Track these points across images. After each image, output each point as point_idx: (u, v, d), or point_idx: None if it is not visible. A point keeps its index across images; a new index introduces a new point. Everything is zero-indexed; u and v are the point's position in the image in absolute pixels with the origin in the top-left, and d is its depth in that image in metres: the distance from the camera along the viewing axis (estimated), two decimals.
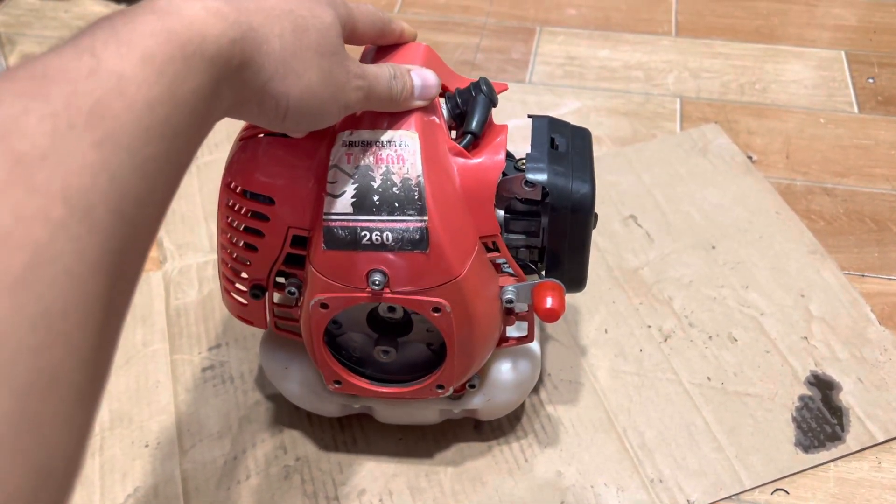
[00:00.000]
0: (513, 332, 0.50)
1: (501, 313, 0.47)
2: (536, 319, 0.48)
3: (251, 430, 0.57)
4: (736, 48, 0.93)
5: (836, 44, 0.93)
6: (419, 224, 0.41)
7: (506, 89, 0.47)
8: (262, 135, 0.44)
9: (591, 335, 0.62)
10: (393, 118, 0.41)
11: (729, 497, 0.53)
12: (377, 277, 0.41)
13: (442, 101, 0.45)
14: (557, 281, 0.46)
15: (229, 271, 0.48)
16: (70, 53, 0.25)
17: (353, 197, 0.41)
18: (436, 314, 0.43)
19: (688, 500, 0.52)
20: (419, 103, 0.41)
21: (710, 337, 0.62)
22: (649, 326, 0.62)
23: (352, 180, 0.41)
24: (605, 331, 0.62)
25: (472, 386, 0.50)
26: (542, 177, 0.44)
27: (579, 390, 0.58)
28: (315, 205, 0.42)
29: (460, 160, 0.43)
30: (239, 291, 0.48)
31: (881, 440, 0.55)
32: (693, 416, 0.57)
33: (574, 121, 0.82)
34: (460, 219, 0.43)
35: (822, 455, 0.54)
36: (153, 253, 0.70)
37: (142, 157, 0.24)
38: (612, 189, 0.74)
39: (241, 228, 0.45)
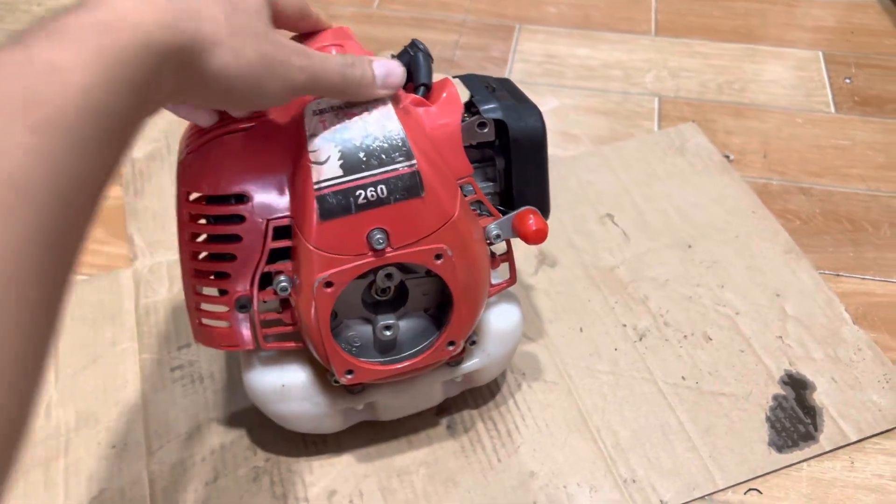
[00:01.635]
0: (495, 278, 0.50)
1: (489, 257, 0.48)
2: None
3: (220, 430, 0.56)
4: (715, 48, 0.93)
5: (814, 44, 0.93)
6: (410, 169, 0.41)
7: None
8: (212, 138, 0.42)
9: (566, 334, 0.62)
10: None
11: (702, 497, 0.52)
12: (378, 236, 0.41)
13: None
14: (530, 207, 0.47)
15: (204, 298, 0.46)
16: (4, 49, 0.26)
17: (339, 159, 0.40)
18: (438, 261, 0.43)
19: (661, 501, 0.52)
20: (382, 92, 0.41)
21: (686, 336, 0.61)
22: (624, 325, 0.62)
23: (333, 144, 0.40)
24: (580, 329, 0.62)
25: (473, 342, 0.50)
26: (496, 113, 0.45)
27: (553, 390, 0.58)
28: (293, 186, 0.42)
29: (422, 109, 0.44)
30: (219, 316, 0.46)
31: (854, 440, 0.55)
32: (667, 416, 0.56)
33: (552, 119, 0.83)
34: (440, 162, 0.43)
35: (796, 455, 0.54)
36: (123, 251, 0.69)
37: (79, 139, 0.25)
38: (590, 188, 0.74)
39: (213, 240, 0.43)
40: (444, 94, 0.45)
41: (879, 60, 0.91)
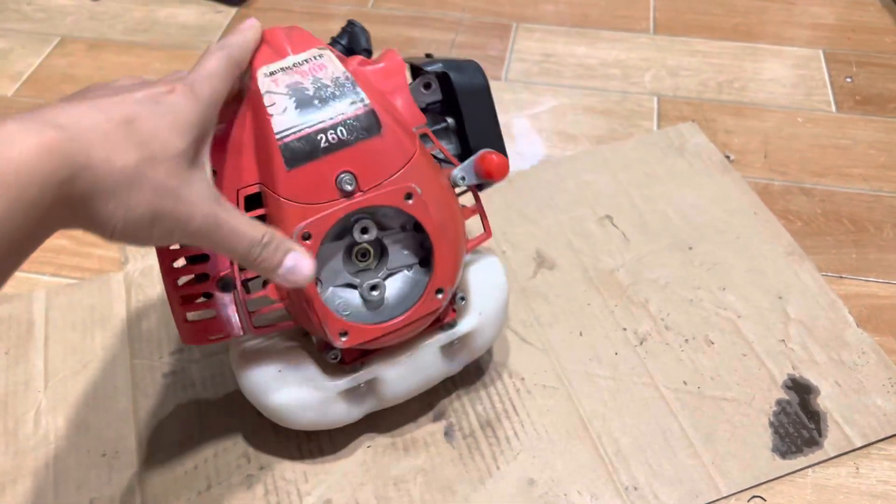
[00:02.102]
0: (469, 235, 0.51)
1: (459, 205, 0.49)
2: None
3: (213, 438, 0.55)
4: (714, 46, 0.92)
5: (815, 42, 0.93)
6: (364, 108, 0.43)
7: None
8: None
9: (566, 338, 0.61)
10: (296, 46, 0.43)
11: None
12: (346, 177, 0.43)
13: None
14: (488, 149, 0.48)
15: (185, 289, 0.46)
16: None
17: (296, 108, 0.42)
18: (409, 201, 0.44)
19: None
20: (278, 281, 0.40)
21: (687, 340, 0.60)
22: (625, 329, 0.61)
23: (288, 96, 0.42)
24: (580, 333, 0.61)
25: (463, 299, 0.51)
26: (438, 67, 0.48)
27: (553, 395, 0.57)
28: (256, 147, 0.43)
29: (368, 67, 0.47)
30: (200, 306, 0.46)
31: (859, 445, 0.54)
32: (669, 422, 0.55)
33: (550, 119, 0.82)
34: (393, 108, 0.46)
35: (800, 461, 0.53)
36: (114, 254, 0.67)
37: None
38: (588, 189, 0.73)
39: None
40: (387, 57, 0.48)
41: (881, 59, 0.90)
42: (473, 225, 0.52)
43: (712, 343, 0.60)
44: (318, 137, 0.42)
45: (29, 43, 0.92)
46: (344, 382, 0.49)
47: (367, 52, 0.50)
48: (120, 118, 0.33)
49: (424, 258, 0.48)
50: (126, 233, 0.34)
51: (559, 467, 0.53)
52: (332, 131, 0.42)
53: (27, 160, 0.29)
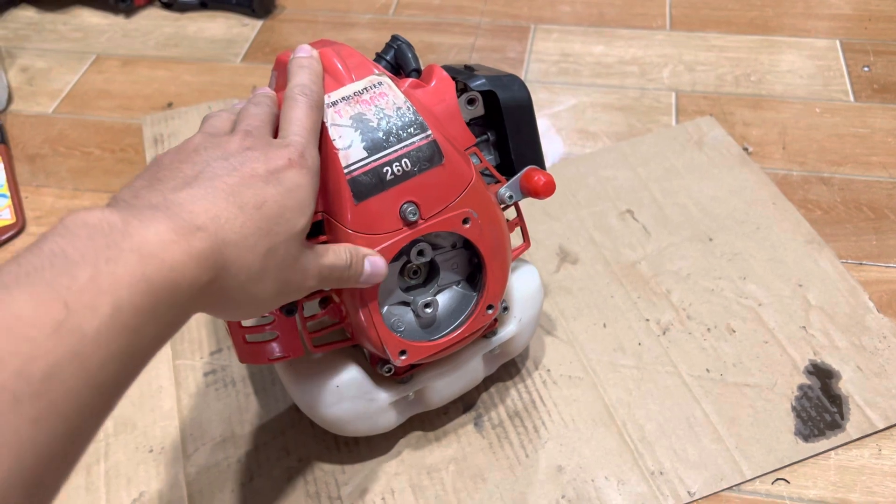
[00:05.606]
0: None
1: (505, 220, 0.50)
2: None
3: (253, 433, 0.57)
4: (731, 40, 0.93)
5: (831, 33, 0.93)
6: (427, 140, 0.44)
7: None
8: None
9: (590, 330, 0.62)
10: (352, 72, 0.44)
11: (730, 487, 0.53)
12: (410, 208, 0.43)
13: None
14: (532, 166, 0.50)
15: None
16: (43, 290, 0.25)
17: (362, 141, 0.42)
18: (466, 225, 0.46)
19: (689, 492, 0.52)
20: (362, 286, 0.43)
21: (709, 329, 0.62)
22: (647, 320, 0.63)
23: (353, 129, 0.42)
24: (604, 325, 0.63)
25: (506, 308, 0.53)
26: (484, 86, 0.48)
27: (578, 385, 0.59)
28: (320, 179, 0.43)
29: (419, 90, 0.47)
30: (264, 328, 0.47)
31: (881, 427, 0.55)
32: (692, 408, 0.57)
33: (570, 118, 0.83)
34: (448, 133, 0.46)
35: (823, 444, 0.54)
36: None
37: (78, 420, 0.25)
38: (608, 184, 0.74)
39: None
40: (436, 76, 0.48)
41: None
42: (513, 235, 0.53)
43: (734, 331, 0.61)
44: (385, 170, 0.42)
45: (66, 61, 0.96)
46: (396, 393, 0.51)
47: (417, 73, 0.49)
48: (252, 206, 0.34)
49: (472, 274, 0.49)
50: (252, 315, 0.37)
51: (586, 454, 0.55)
52: (398, 163, 0.43)
53: (180, 269, 0.29)
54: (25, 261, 0.26)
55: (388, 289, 0.48)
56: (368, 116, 0.43)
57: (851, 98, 0.84)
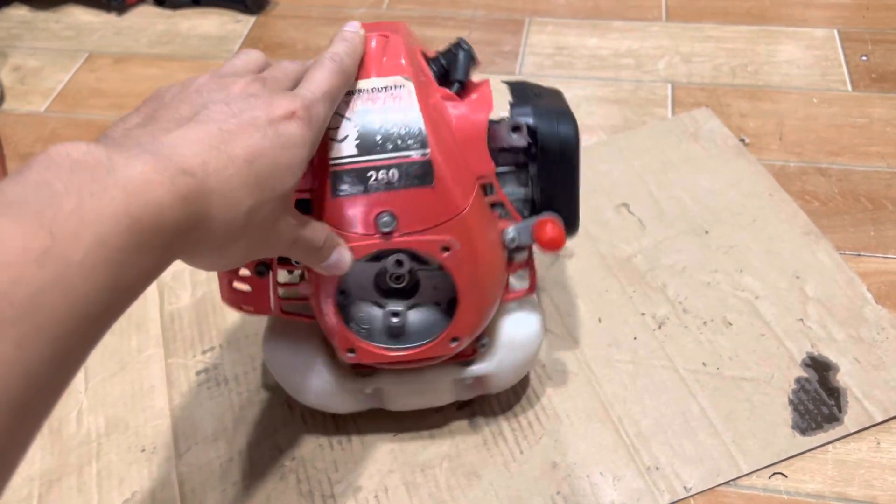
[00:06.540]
0: (514, 284, 0.50)
1: (504, 260, 0.48)
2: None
3: (246, 431, 0.57)
4: (727, 31, 0.92)
5: (829, 22, 0.92)
6: (422, 158, 0.42)
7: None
8: None
9: (585, 325, 0.62)
10: (383, 67, 0.42)
11: (727, 482, 0.52)
12: (386, 219, 0.42)
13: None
14: (554, 214, 0.47)
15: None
16: (29, 218, 0.25)
17: (356, 139, 0.42)
18: (445, 254, 0.44)
19: (685, 488, 0.52)
20: (319, 270, 0.42)
21: (705, 322, 0.61)
22: (643, 314, 0.62)
23: (353, 124, 0.42)
24: (599, 320, 0.62)
25: (483, 345, 0.50)
26: (527, 118, 0.46)
27: (574, 380, 0.58)
28: (313, 161, 0.42)
29: (451, 104, 0.45)
30: (240, 278, 0.48)
31: (879, 420, 0.54)
32: (689, 403, 0.56)
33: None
34: (459, 156, 0.44)
35: (820, 437, 0.54)
36: None
37: (63, 347, 0.25)
38: (604, 177, 0.74)
39: None
40: (477, 92, 0.46)
41: None
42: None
43: (730, 324, 0.61)
44: (369, 174, 0.42)
45: (58, 60, 0.95)
46: (352, 382, 0.51)
47: (460, 84, 0.46)
48: (244, 158, 0.32)
49: (453, 300, 0.47)
50: (216, 268, 0.36)
51: (581, 450, 0.54)
52: (385, 171, 0.42)
53: (163, 211, 0.28)
54: (10, 190, 0.26)
55: (364, 284, 0.47)
56: (373, 116, 0.42)
57: (849, 87, 0.83)
